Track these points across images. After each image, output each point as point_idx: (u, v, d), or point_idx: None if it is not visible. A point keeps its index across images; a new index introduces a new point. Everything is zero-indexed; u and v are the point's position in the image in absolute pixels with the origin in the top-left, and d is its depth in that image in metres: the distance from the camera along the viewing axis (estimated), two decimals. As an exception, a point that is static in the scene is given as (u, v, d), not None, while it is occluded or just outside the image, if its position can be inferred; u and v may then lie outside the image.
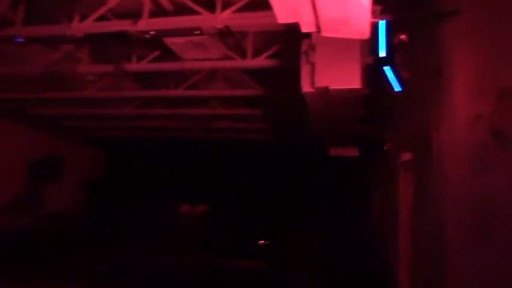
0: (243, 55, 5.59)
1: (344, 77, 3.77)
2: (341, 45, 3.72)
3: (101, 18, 4.80)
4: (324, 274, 6.54)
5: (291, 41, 5.55)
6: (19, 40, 5.05)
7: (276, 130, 10.08)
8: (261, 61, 5.48)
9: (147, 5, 4.51)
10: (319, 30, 2.73)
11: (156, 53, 5.90)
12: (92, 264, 7.45)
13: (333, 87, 3.80)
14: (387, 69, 3.28)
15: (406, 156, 4.62)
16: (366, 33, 2.85)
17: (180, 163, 11.22)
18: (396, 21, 3.17)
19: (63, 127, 10.50)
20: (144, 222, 10.66)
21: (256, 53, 5.53)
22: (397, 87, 3.51)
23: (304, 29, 2.82)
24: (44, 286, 6.28)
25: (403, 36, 3.30)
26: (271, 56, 5.49)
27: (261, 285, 6.26)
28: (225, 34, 4.96)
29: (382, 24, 3.07)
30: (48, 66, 6.40)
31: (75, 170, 10.93)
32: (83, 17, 4.88)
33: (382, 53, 3.14)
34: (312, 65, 3.71)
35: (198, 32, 4.92)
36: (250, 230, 9.19)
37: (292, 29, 3.10)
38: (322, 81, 3.66)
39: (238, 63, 5.57)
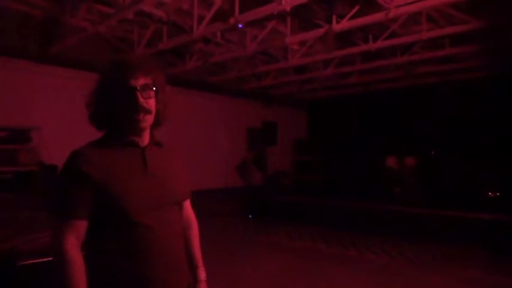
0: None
1: None
2: None
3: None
4: None
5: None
6: (240, 26, 5.86)
7: (497, 65, 8.65)
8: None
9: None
10: None
11: (355, 9, 5.86)
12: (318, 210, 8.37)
13: None
14: None
15: None
16: None
17: (384, 115, 10.95)
18: None
19: (272, 95, 11.78)
20: (351, 174, 11.06)
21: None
22: None
23: None
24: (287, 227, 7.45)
25: None
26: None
27: (497, 238, 5.72)
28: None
29: None
30: (259, 44, 7.23)
31: (285, 132, 12.20)
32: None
33: None
34: None
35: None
36: (474, 181, 8.36)
37: None
38: None
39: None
